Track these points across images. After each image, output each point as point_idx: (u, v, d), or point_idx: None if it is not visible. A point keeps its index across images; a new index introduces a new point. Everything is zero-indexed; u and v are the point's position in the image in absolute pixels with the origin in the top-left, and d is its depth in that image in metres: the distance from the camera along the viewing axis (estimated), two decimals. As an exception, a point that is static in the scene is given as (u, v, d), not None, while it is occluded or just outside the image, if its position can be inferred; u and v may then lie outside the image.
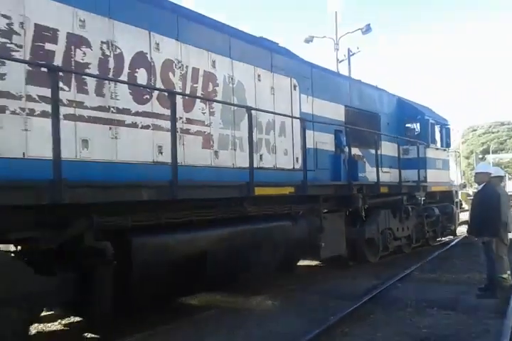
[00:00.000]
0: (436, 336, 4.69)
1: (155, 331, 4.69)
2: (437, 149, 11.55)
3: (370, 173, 8.76)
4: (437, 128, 11.79)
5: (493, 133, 78.76)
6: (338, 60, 19.75)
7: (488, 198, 6.51)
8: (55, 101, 3.67)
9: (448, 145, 12.42)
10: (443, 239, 12.54)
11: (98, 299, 4.13)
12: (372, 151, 8.71)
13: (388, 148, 9.86)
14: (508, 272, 6.76)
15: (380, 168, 8.65)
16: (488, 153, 50.63)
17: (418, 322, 5.19)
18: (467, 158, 49.78)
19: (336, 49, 19.75)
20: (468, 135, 62.36)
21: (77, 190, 3.77)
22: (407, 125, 11.30)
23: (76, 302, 4.17)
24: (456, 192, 13.11)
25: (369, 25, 19.16)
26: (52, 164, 3.60)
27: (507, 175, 23.74)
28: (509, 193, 8.94)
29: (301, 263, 8.23)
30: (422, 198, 10.47)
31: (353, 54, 20.24)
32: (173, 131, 4.57)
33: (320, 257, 7.52)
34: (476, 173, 7.00)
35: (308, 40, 19.89)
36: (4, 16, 3.79)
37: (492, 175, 6.88)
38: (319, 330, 4.60)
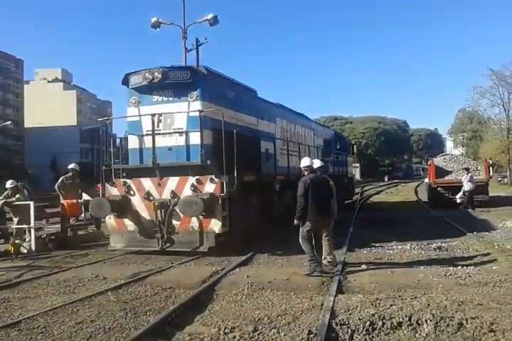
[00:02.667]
0: (269, 316, 5.08)
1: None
2: (350, 156, 23.16)
3: (332, 168, 19.77)
4: (349, 145, 23.44)
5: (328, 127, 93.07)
6: (186, 48, 19.72)
7: (319, 186, 7.29)
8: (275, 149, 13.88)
9: (353, 154, 24.23)
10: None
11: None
12: (331, 159, 19.67)
13: (334, 156, 21.05)
14: (334, 253, 7.37)
15: (337, 167, 19.75)
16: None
17: (253, 304, 5.59)
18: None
19: (184, 37, 19.52)
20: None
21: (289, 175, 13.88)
22: (336, 143, 22.69)
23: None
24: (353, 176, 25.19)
25: (216, 17, 19.33)
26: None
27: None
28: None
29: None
30: (347, 180, 22.00)
31: (201, 44, 20.10)
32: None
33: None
34: (303, 167, 7.72)
35: (155, 26, 19.37)
36: (282, 129, 13.73)
37: (316, 167, 7.77)
38: (155, 321, 4.88)
